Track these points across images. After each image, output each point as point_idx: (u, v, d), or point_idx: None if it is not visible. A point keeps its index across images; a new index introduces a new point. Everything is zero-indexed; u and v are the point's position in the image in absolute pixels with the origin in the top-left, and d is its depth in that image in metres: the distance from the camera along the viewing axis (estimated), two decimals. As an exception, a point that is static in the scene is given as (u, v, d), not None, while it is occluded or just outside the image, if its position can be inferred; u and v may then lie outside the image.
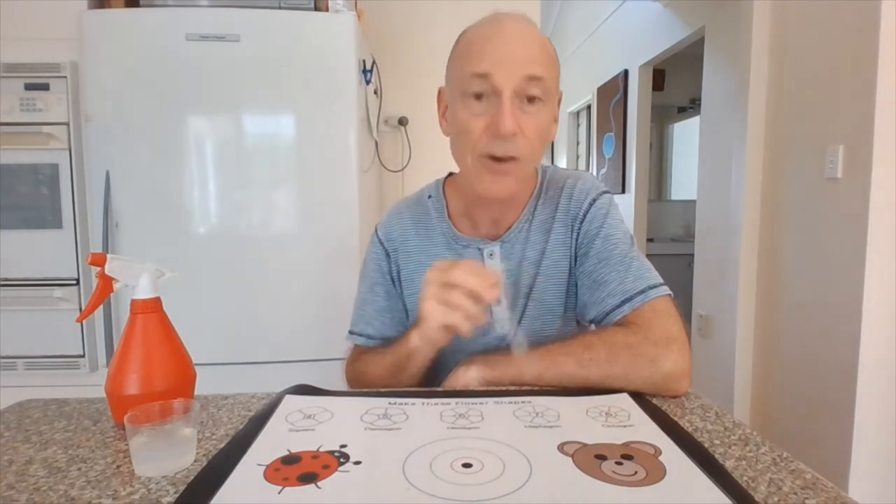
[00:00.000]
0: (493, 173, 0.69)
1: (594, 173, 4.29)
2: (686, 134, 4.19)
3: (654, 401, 0.62)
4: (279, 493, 0.42)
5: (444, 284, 0.62)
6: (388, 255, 0.83)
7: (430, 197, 0.84)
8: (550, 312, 0.78)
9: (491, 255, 0.78)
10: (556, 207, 0.79)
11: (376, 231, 0.85)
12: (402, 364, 0.71)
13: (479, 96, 0.67)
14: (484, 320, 0.63)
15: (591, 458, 0.47)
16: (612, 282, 0.72)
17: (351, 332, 0.85)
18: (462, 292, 0.61)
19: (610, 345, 0.66)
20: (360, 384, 0.78)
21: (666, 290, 0.72)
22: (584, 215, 0.77)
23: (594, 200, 0.77)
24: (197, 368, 0.61)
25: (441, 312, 0.62)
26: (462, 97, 0.68)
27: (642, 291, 0.70)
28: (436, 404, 0.59)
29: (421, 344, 0.68)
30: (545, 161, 0.84)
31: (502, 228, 0.79)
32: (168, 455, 0.47)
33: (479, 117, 0.67)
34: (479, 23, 0.70)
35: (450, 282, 0.61)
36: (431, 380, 0.81)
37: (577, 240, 0.77)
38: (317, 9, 1.48)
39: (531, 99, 0.67)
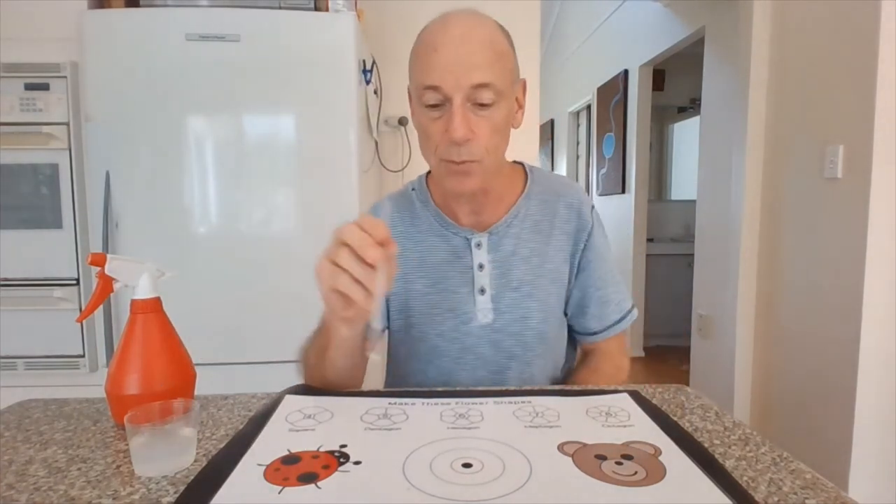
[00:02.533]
0: (454, 174, 0.70)
1: (594, 173, 4.29)
2: (686, 134, 4.20)
3: (654, 401, 0.62)
4: (279, 493, 0.42)
5: (337, 242, 0.54)
6: None
7: (413, 189, 0.86)
8: (553, 315, 0.81)
9: (478, 245, 0.79)
10: (554, 214, 0.81)
11: None
12: (324, 343, 0.65)
13: (433, 104, 0.68)
14: (372, 288, 0.53)
15: (591, 458, 0.47)
16: (612, 301, 0.83)
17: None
18: (350, 252, 0.52)
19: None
20: (304, 368, 0.74)
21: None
22: (591, 230, 0.81)
23: (592, 215, 0.82)
24: (197, 368, 0.61)
25: (328, 274, 0.53)
26: (419, 103, 0.70)
27: (631, 308, 0.85)
28: (436, 404, 0.59)
29: (328, 317, 0.61)
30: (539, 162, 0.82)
31: (487, 220, 0.80)
32: (168, 455, 0.47)
33: (436, 122, 0.68)
34: (429, 25, 0.70)
35: (341, 238, 0.53)
36: (421, 376, 0.81)
37: (582, 251, 0.81)
38: (317, 9, 1.48)
39: (483, 104, 0.67)
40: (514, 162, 0.86)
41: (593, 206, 0.84)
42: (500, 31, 0.70)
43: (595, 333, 0.83)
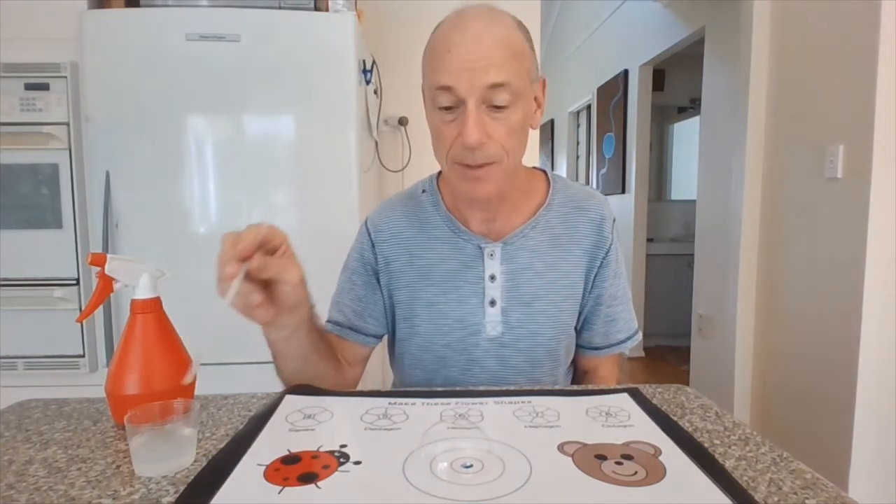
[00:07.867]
0: (469, 180, 0.68)
1: (594, 173, 4.29)
2: (686, 134, 4.20)
3: (654, 400, 0.62)
4: (279, 493, 0.42)
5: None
6: (373, 245, 0.81)
7: (423, 191, 0.82)
8: (564, 332, 0.79)
9: (492, 254, 0.76)
10: (574, 229, 0.79)
11: (365, 222, 0.84)
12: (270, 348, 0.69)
13: (447, 106, 0.66)
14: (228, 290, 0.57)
15: (591, 458, 0.47)
16: (619, 320, 0.82)
17: (326, 322, 0.82)
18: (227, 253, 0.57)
19: None
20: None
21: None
22: (609, 247, 0.79)
23: (613, 231, 0.80)
24: (197, 368, 0.61)
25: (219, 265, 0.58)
26: (433, 105, 0.67)
27: (637, 330, 0.85)
28: (436, 404, 0.59)
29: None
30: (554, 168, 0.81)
31: (500, 228, 0.77)
32: (168, 455, 0.47)
33: (449, 124, 0.66)
34: (444, 23, 0.68)
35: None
36: (430, 380, 0.81)
37: (598, 268, 0.79)
38: (317, 9, 1.48)
39: (498, 106, 0.65)
40: (534, 168, 0.83)
41: (614, 220, 0.81)
42: (517, 28, 0.67)
43: (597, 349, 0.83)
